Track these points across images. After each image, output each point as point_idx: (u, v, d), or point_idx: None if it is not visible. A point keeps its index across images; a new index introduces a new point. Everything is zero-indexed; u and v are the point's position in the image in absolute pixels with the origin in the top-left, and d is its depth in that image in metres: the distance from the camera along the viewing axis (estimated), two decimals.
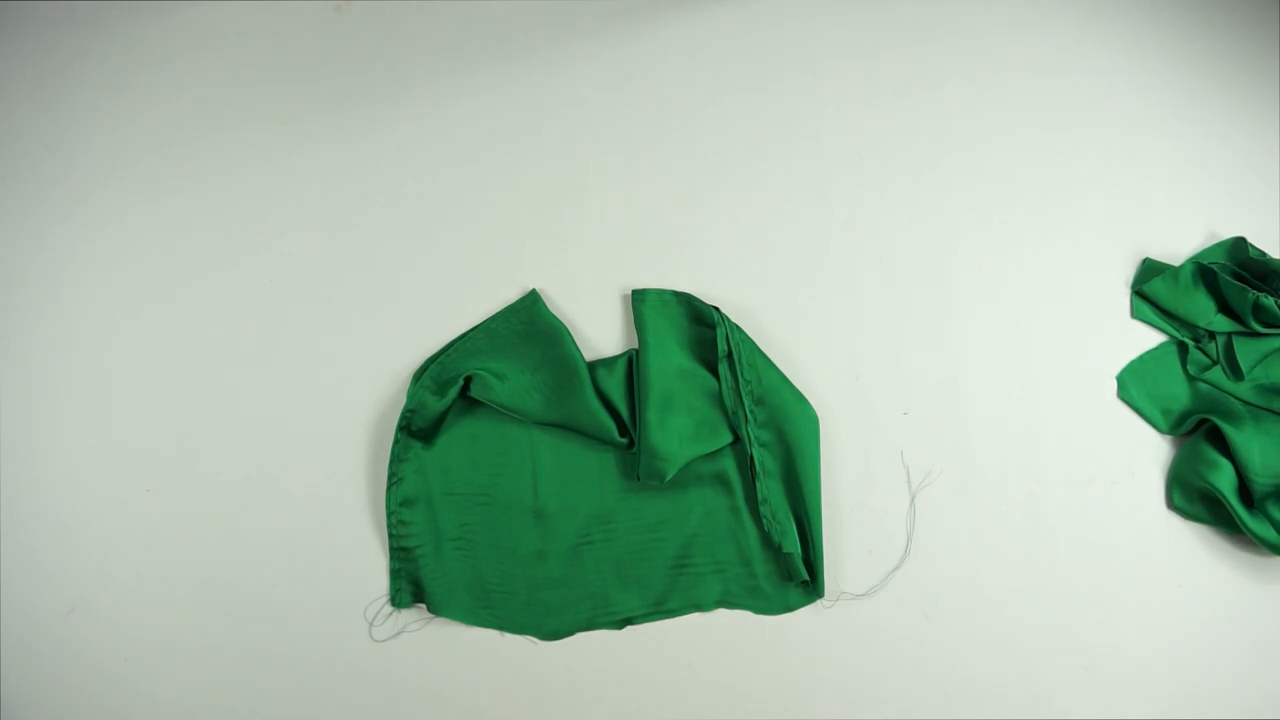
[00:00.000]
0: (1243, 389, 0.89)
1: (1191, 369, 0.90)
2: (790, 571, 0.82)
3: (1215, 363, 0.90)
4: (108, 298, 0.90)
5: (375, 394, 0.88)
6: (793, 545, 0.82)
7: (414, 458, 0.85)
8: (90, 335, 0.89)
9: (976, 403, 0.89)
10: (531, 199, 0.95)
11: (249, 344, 0.89)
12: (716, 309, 0.88)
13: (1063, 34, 1.03)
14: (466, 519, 0.84)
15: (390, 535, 0.83)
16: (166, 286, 0.91)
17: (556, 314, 0.89)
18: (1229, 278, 0.89)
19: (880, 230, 0.95)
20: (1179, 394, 0.90)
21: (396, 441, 0.84)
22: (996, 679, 0.82)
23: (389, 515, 0.83)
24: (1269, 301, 0.87)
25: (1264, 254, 0.90)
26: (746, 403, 0.85)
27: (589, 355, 0.88)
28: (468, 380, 0.85)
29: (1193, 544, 0.86)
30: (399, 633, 0.82)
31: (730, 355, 0.87)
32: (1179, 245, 0.95)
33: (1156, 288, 0.92)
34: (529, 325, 0.89)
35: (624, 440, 0.84)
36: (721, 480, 0.86)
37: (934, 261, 0.94)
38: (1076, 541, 0.86)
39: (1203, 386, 0.90)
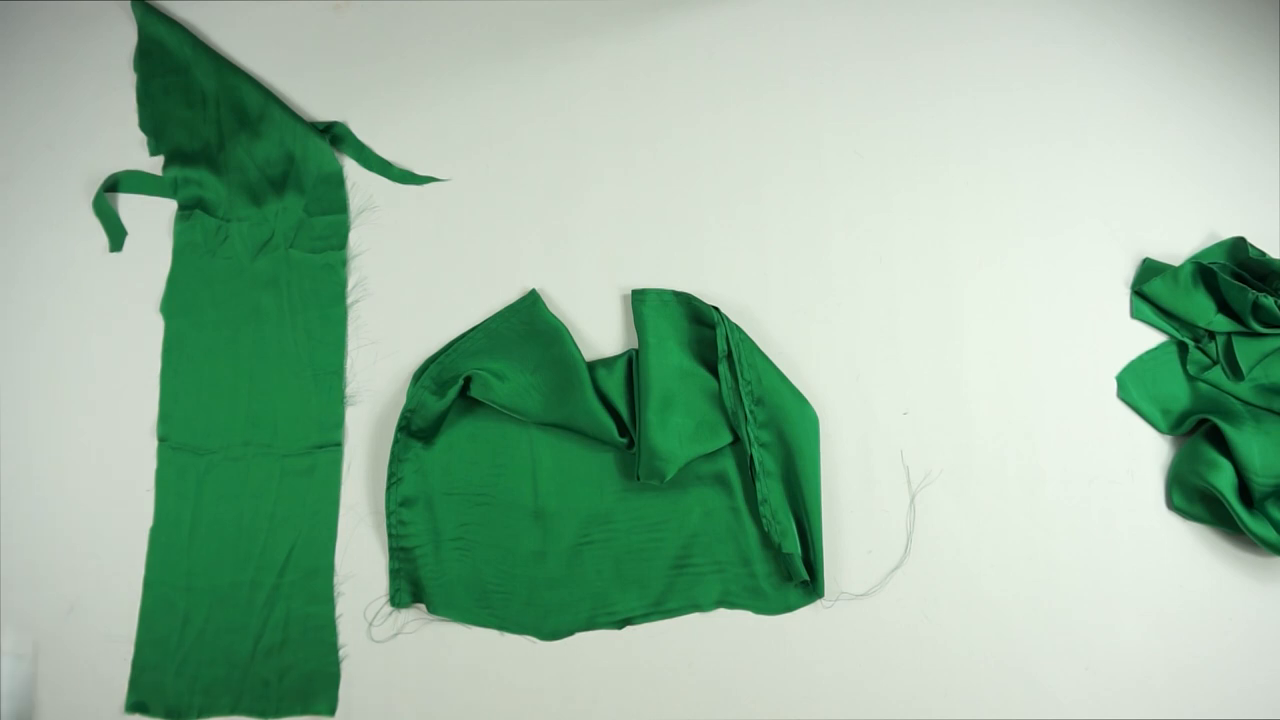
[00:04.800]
0: (1243, 389, 0.89)
1: (1191, 369, 0.90)
2: (790, 571, 0.82)
3: (1215, 363, 0.90)
4: (108, 297, 0.90)
5: (375, 394, 0.88)
6: (793, 545, 0.82)
7: (414, 458, 0.85)
8: (91, 334, 0.89)
9: (976, 403, 0.89)
10: (531, 198, 0.95)
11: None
12: (716, 309, 0.88)
13: (1064, 33, 1.03)
14: (466, 519, 0.84)
15: (390, 535, 0.83)
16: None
17: (556, 314, 0.89)
18: (1229, 278, 0.89)
19: (880, 230, 0.95)
20: (1179, 394, 0.90)
21: (396, 441, 0.84)
22: (996, 679, 0.82)
23: (389, 515, 0.83)
24: (1269, 301, 0.87)
25: (1264, 254, 0.90)
26: (746, 403, 0.85)
27: (589, 355, 0.88)
28: (468, 380, 0.85)
29: (1193, 544, 0.86)
30: (398, 633, 0.82)
31: (730, 355, 0.87)
32: (1179, 245, 0.95)
33: (1156, 288, 0.92)
34: (529, 325, 0.89)
35: (624, 440, 0.84)
36: (721, 480, 0.86)
37: (934, 261, 0.94)
38: (1076, 541, 0.86)
39: (1203, 386, 0.90)
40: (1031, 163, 0.98)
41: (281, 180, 0.92)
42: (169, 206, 0.93)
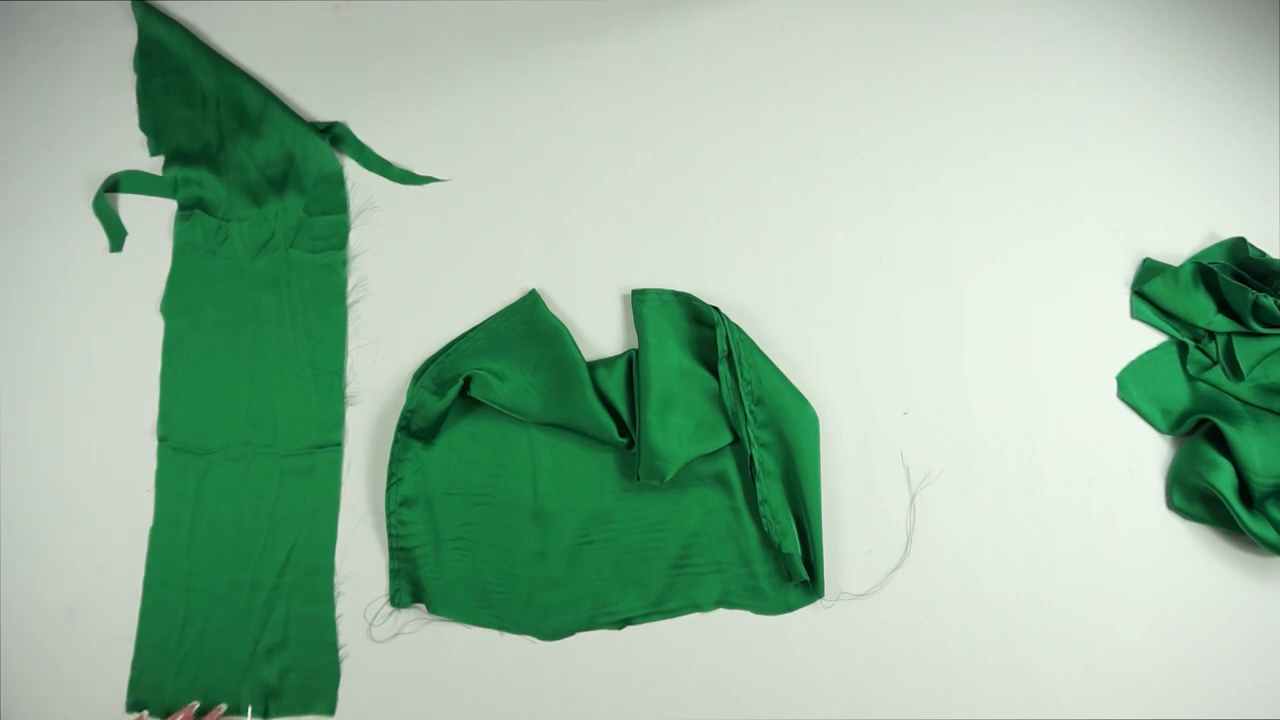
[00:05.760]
0: (1243, 389, 0.89)
1: (1191, 369, 0.90)
2: (790, 571, 0.82)
3: (1215, 363, 0.90)
4: (108, 297, 0.90)
5: (375, 394, 0.88)
6: (793, 545, 0.82)
7: (414, 458, 0.85)
8: (91, 334, 0.89)
9: (976, 403, 0.89)
10: (531, 198, 0.95)
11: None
12: (716, 309, 0.88)
13: (1064, 33, 1.03)
14: (466, 519, 0.84)
15: (390, 535, 0.83)
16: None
17: (556, 314, 0.89)
18: (1229, 278, 0.89)
19: (880, 230, 0.95)
20: (1179, 394, 0.90)
21: (396, 441, 0.84)
22: (996, 679, 0.82)
23: (389, 515, 0.83)
24: (1269, 301, 0.87)
25: (1264, 254, 0.90)
26: (746, 403, 0.85)
27: (589, 355, 0.88)
28: (467, 380, 0.85)
29: (1193, 544, 0.86)
30: (398, 633, 0.82)
31: (730, 355, 0.87)
32: (1179, 245, 0.95)
33: (1156, 288, 0.92)
34: (529, 325, 0.89)
35: (624, 440, 0.84)
36: (721, 480, 0.86)
37: (934, 261, 0.94)
38: (1076, 542, 0.86)
39: (1203, 386, 0.90)
40: (1031, 163, 0.98)
41: (281, 180, 0.92)
42: (169, 206, 0.93)
